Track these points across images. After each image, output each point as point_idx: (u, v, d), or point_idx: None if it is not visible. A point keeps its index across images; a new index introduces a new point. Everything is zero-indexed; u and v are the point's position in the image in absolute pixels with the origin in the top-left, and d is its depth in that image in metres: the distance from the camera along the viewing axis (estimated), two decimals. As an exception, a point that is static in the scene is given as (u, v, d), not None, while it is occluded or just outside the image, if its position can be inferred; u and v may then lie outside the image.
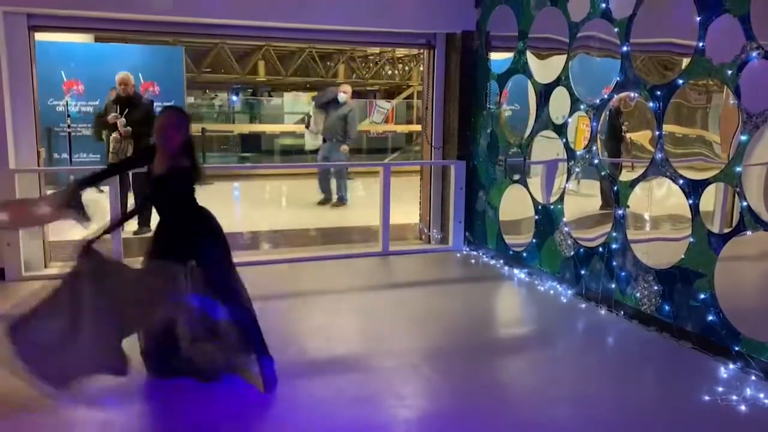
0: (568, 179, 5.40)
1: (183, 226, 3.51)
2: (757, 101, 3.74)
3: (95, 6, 5.55)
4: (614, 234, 4.83)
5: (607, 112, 5.05)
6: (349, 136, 9.29)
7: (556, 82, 5.45)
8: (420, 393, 3.59)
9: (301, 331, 4.46)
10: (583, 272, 5.17)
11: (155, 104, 7.80)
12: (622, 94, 4.85)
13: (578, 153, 5.25)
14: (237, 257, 3.72)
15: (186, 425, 3.17)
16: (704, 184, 4.11)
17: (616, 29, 4.74)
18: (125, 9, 5.62)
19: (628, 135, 5.70)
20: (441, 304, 5.17)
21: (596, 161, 5.06)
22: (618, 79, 4.76)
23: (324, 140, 9.50)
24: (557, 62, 5.41)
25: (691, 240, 4.17)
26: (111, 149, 7.09)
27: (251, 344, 3.50)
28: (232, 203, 10.48)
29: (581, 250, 5.21)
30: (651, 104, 4.45)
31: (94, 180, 3.58)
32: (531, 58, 5.80)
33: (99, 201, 5.97)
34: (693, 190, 4.16)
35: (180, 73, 11.61)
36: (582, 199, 5.63)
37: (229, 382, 3.56)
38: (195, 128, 13.90)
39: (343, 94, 9.24)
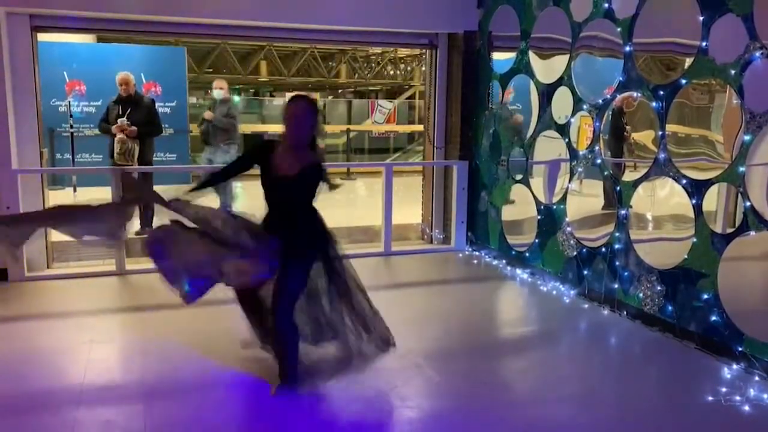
0: (570, 179, 5.40)
1: (304, 227, 3.29)
2: (760, 101, 3.73)
3: (97, 6, 5.56)
4: (617, 234, 4.83)
5: (610, 112, 5.04)
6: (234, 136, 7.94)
7: (559, 82, 5.44)
8: (423, 393, 3.58)
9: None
10: (585, 272, 5.16)
11: (157, 104, 7.80)
12: (625, 94, 4.84)
13: (581, 153, 5.24)
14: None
15: (187, 424, 3.17)
16: (707, 184, 4.10)
17: (618, 29, 4.73)
18: (127, 9, 5.62)
19: (630, 135, 5.70)
20: (443, 304, 5.16)
21: (599, 161, 5.05)
22: (621, 78, 4.75)
23: (208, 142, 7.96)
24: (560, 62, 5.40)
25: (694, 240, 4.16)
26: (118, 150, 7.06)
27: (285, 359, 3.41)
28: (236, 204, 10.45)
29: (584, 250, 5.20)
30: (654, 104, 4.44)
31: (205, 186, 3.48)
32: (533, 58, 5.80)
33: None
34: (696, 190, 4.15)
35: (182, 73, 11.63)
36: (584, 199, 5.63)
37: (231, 382, 3.56)
38: (197, 129, 13.93)
39: (219, 90, 7.93)
